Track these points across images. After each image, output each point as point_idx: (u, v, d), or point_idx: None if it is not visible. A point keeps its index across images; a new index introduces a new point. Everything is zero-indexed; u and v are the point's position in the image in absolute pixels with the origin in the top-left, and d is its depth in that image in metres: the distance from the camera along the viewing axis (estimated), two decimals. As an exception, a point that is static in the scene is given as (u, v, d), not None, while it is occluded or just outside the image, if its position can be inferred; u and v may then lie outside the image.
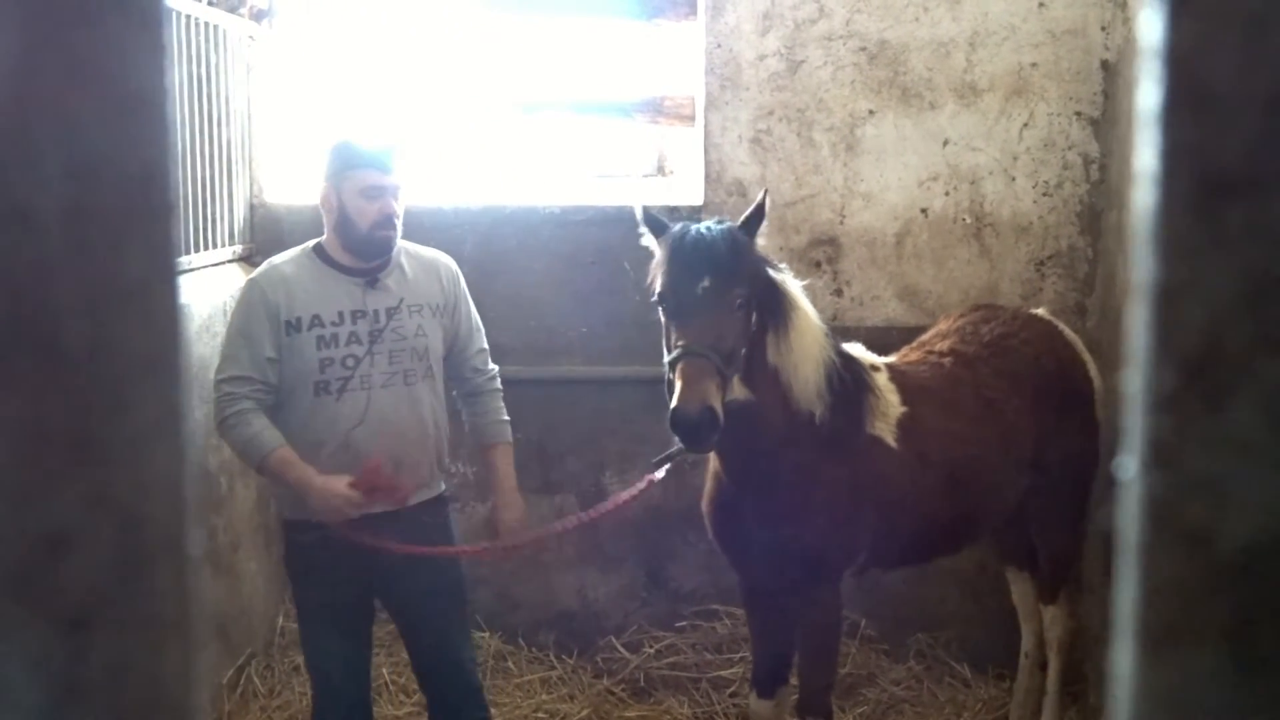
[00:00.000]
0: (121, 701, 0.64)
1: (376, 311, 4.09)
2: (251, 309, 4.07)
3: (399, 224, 4.12)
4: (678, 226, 3.91)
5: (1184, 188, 0.60)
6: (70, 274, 0.62)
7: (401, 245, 4.23)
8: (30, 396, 0.61)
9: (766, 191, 4.03)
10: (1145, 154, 0.62)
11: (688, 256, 3.79)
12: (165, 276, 0.65)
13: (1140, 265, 0.63)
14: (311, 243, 4.22)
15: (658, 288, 3.86)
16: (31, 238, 0.60)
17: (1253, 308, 0.59)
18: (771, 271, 4.01)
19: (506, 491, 4.32)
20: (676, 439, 3.76)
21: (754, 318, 3.86)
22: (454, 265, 4.33)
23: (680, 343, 3.72)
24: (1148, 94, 0.61)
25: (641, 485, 4.25)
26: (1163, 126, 0.61)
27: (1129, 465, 0.65)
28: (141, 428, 0.64)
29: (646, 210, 4.09)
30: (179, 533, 0.66)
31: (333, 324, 4.05)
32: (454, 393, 4.39)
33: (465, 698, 4.27)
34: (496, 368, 4.41)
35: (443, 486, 4.32)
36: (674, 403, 3.64)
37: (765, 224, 3.99)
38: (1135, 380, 0.64)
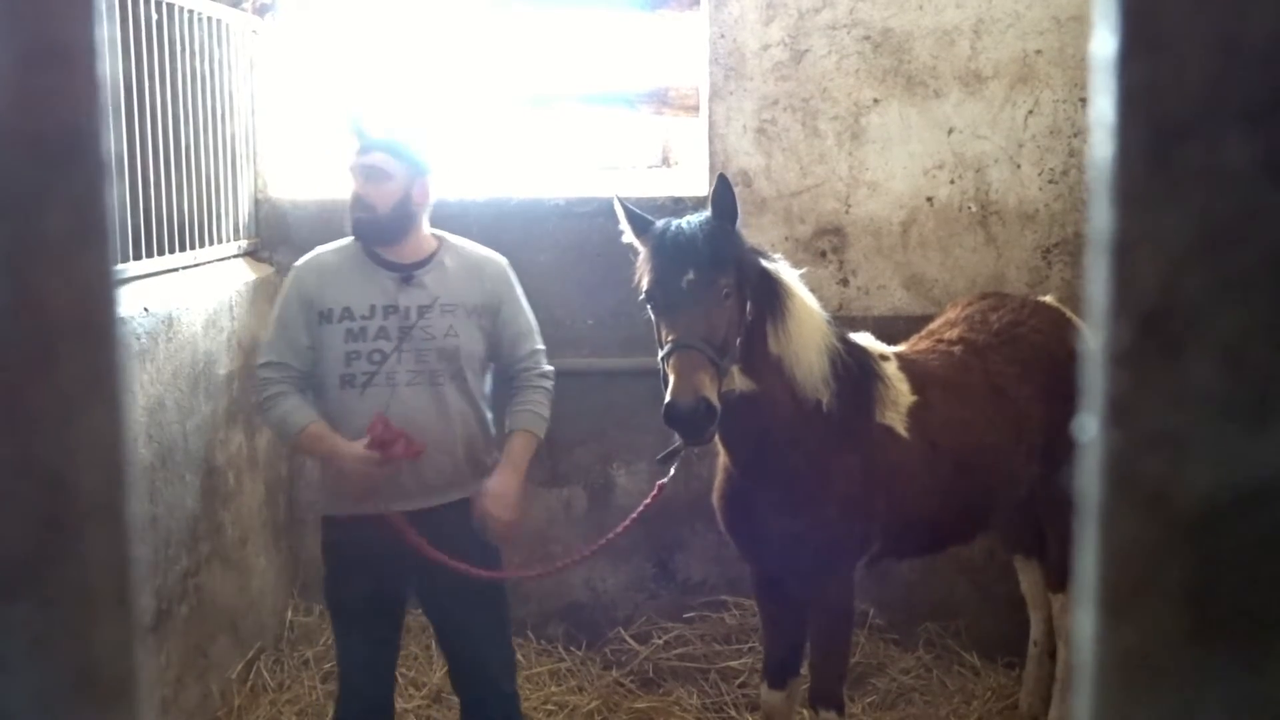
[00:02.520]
0: (51, 675, 0.63)
1: (408, 308, 4.06)
2: (289, 297, 4.12)
3: (378, 210, 4.05)
4: (659, 223, 3.90)
5: (1139, 135, 0.59)
6: None
7: (450, 243, 4.22)
8: None
9: (721, 175, 3.95)
10: (1101, 102, 0.61)
11: (669, 252, 3.79)
12: (94, 235, 0.63)
13: (1097, 218, 0.62)
14: None
15: (644, 285, 3.86)
16: None
17: (1208, 256, 0.58)
18: (764, 261, 4.00)
19: (502, 476, 4.09)
20: (675, 434, 3.76)
21: (748, 307, 3.84)
22: (503, 266, 4.23)
23: (670, 337, 3.73)
24: (1103, 41, 0.60)
25: (653, 493, 4.27)
26: (1117, 73, 0.59)
27: (1088, 424, 0.63)
28: (68, 389, 0.63)
29: (626, 206, 4.06)
30: (114, 498, 0.64)
31: (363, 317, 4.04)
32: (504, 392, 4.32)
33: (497, 704, 4.23)
34: (551, 368, 4.31)
35: (476, 487, 4.23)
36: (668, 396, 3.64)
37: (743, 209, 3.98)
38: (1094, 336, 0.62)
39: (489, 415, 4.24)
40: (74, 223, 0.62)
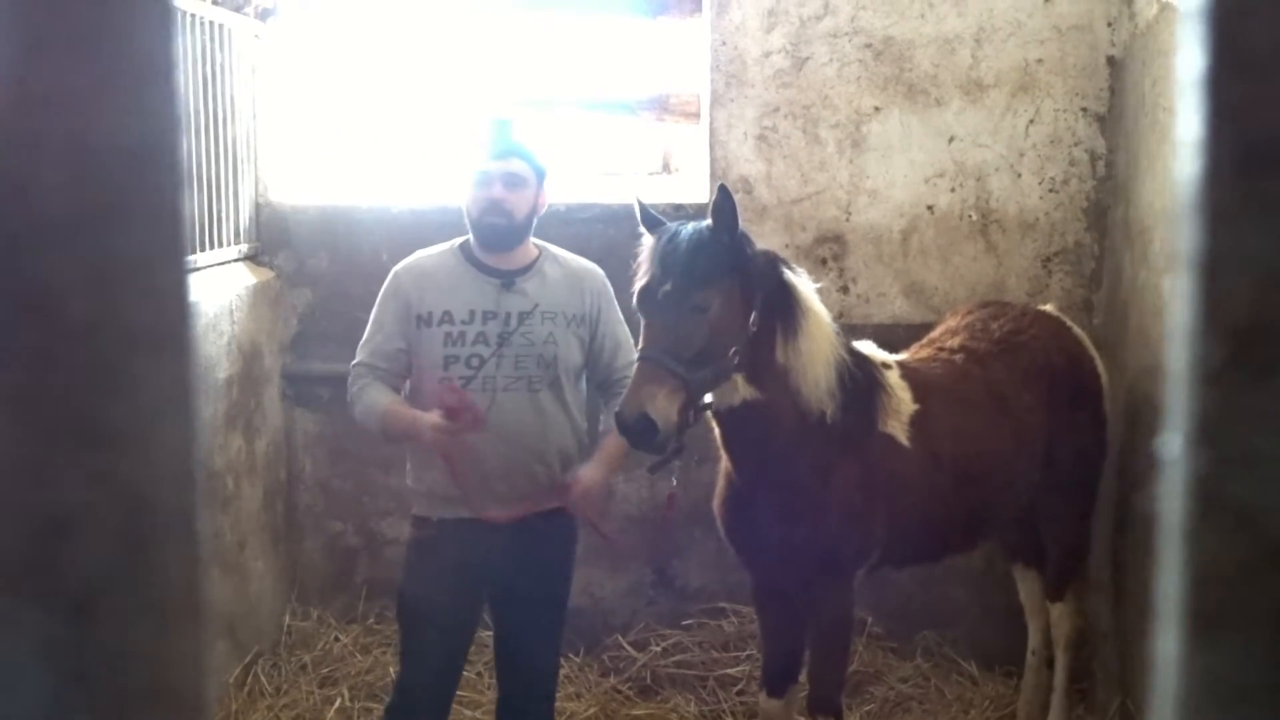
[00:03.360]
0: (127, 689, 0.62)
1: (509, 314, 4.07)
2: (388, 299, 4.16)
3: (516, 216, 4.09)
4: (663, 228, 3.90)
5: (1228, 153, 0.58)
6: (72, 247, 0.60)
7: (551, 252, 4.24)
8: (31, 373, 0.59)
9: (722, 186, 3.94)
10: (1188, 119, 0.60)
11: (655, 259, 3.81)
12: (172, 251, 0.63)
13: (1183, 235, 0.61)
14: (461, 239, 4.25)
15: (635, 290, 3.87)
16: (32, 210, 0.58)
17: None
18: (784, 271, 3.98)
19: (593, 468, 4.10)
20: None
21: (753, 316, 3.82)
22: (603, 277, 4.25)
23: (640, 345, 3.78)
24: (1190, 58, 0.60)
25: (667, 505, 4.34)
26: (1206, 91, 0.59)
27: (1172, 443, 0.63)
28: (148, 406, 0.62)
29: (644, 208, 4.05)
30: (188, 516, 0.64)
31: (462, 322, 4.06)
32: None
33: (534, 704, 4.29)
34: None
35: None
36: (618, 404, 3.72)
37: (744, 216, 3.99)
38: (1179, 354, 0.62)
39: (584, 425, 4.26)
40: (154, 237, 0.62)
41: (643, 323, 3.84)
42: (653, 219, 3.99)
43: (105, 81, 0.60)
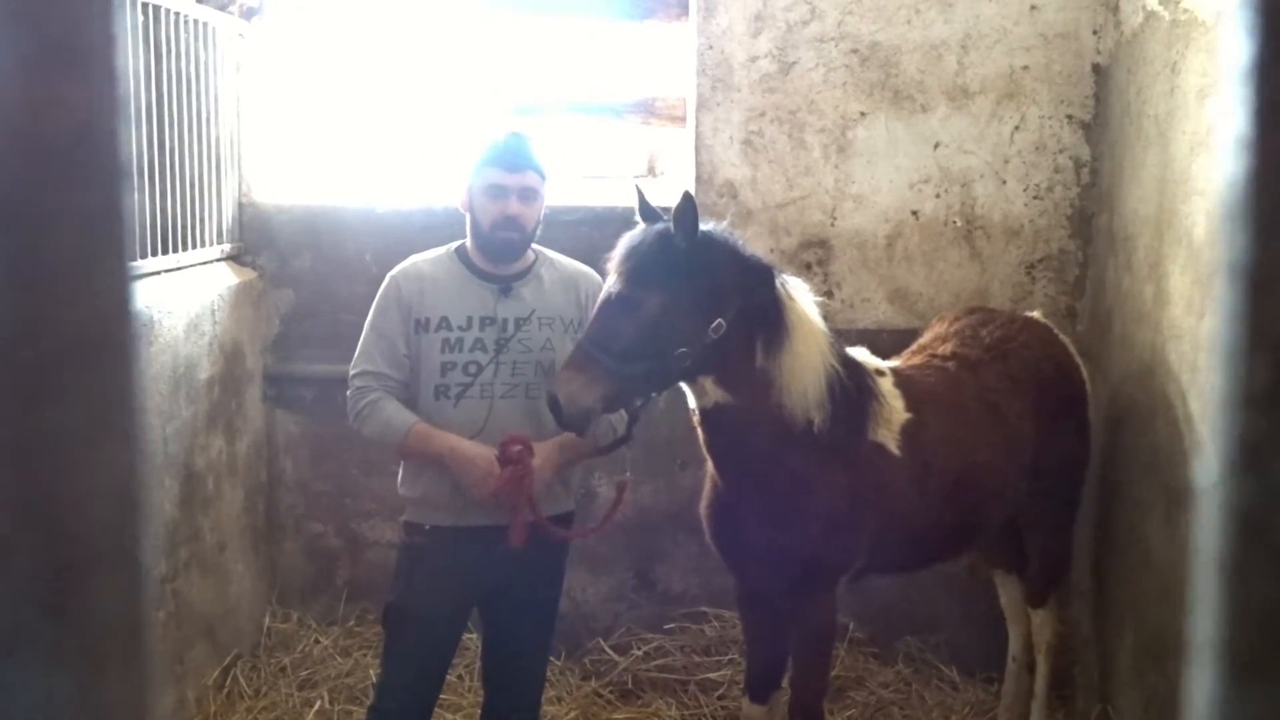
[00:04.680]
0: None
1: (505, 320, 4.06)
2: (386, 304, 4.10)
3: (527, 229, 4.08)
4: (644, 225, 3.93)
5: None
6: (5, 244, 0.55)
7: (546, 256, 4.22)
8: None
9: (685, 192, 3.91)
10: (1235, 115, 0.56)
11: (615, 255, 3.87)
12: (111, 251, 0.58)
13: (1227, 244, 0.57)
14: (457, 243, 4.22)
15: None
16: None
17: None
18: (775, 283, 3.96)
19: (556, 441, 4.03)
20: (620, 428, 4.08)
21: (717, 322, 3.80)
22: (597, 281, 4.20)
23: (582, 333, 3.90)
24: (1237, 49, 0.56)
25: (617, 495, 4.30)
26: (1255, 83, 0.55)
27: (1212, 469, 0.58)
28: (80, 421, 0.57)
29: (643, 199, 4.05)
30: (128, 544, 0.58)
31: (460, 328, 4.04)
32: None
33: (521, 708, 4.29)
34: None
35: (569, 505, 4.27)
36: None
37: (729, 221, 4.01)
38: (1222, 374, 0.57)
39: None
40: (88, 232, 0.57)
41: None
42: (650, 212, 3.99)
43: (35, 63, 0.56)
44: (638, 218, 4.02)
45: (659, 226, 3.87)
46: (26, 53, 0.56)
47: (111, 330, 0.58)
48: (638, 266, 3.78)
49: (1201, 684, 0.59)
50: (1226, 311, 0.57)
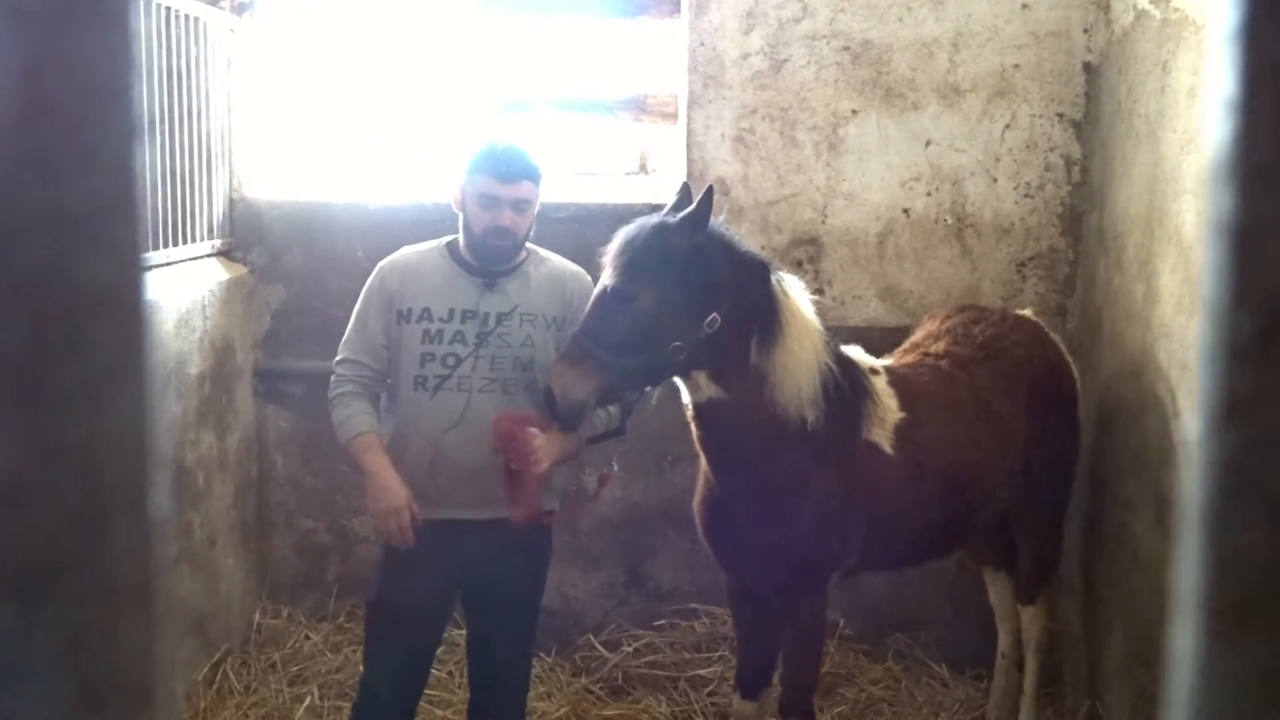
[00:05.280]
0: (77, 680, 0.58)
1: (487, 314, 4.07)
2: (370, 294, 4.14)
3: (519, 236, 4.09)
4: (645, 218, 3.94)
5: (1268, 111, 0.55)
6: (16, 194, 0.56)
7: (538, 254, 4.22)
8: None
9: (684, 184, 3.96)
10: (1223, 76, 0.57)
11: (611, 246, 3.89)
12: (126, 205, 0.59)
13: (1215, 202, 0.58)
14: (449, 237, 4.23)
15: None
16: None
17: None
18: (771, 280, 3.96)
19: (551, 436, 3.99)
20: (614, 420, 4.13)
21: (711, 318, 3.81)
22: (588, 281, 4.20)
23: (577, 325, 3.90)
24: (1226, 8, 0.56)
25: (599, 485, 4.41)
26: (1243, 43, 0.56)
27: (1198, 423, 0.59)
28: (100, 369, 0.58)
29: (685, 194, 4.07)
30: (141, 489, 0.60)
31: (441, 320, 4.05)
32: None
33: (505, 707, 4.28)
34: None
35: (553, 504, 4.24)
36: None
37: (720, 218, 4.02)
38: (1207, 329, 0.58)
39: None
40: (109, 187, 0.58)
41: None
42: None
43: (62, 19, 0.57)
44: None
45: (655, 220, 3.88)
46: (54, 9, 0.57)
47: (127, 281, 0.60)
48: (633, 260, 3.78)
49: (1185, 637, 0.60)
50: (1212, 267, 0.58)
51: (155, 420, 0.60)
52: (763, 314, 3.92)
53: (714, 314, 3.81)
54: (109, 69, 0.58)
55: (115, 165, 0.59)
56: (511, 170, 4.06)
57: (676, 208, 3.86)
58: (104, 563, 0.59)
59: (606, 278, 3.83)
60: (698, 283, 3.81)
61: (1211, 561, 0.58)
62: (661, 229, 3.82)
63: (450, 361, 4.03)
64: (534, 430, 3.91)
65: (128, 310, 0.60)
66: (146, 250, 0.60)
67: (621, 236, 3.87)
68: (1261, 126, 0.56)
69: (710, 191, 3.84)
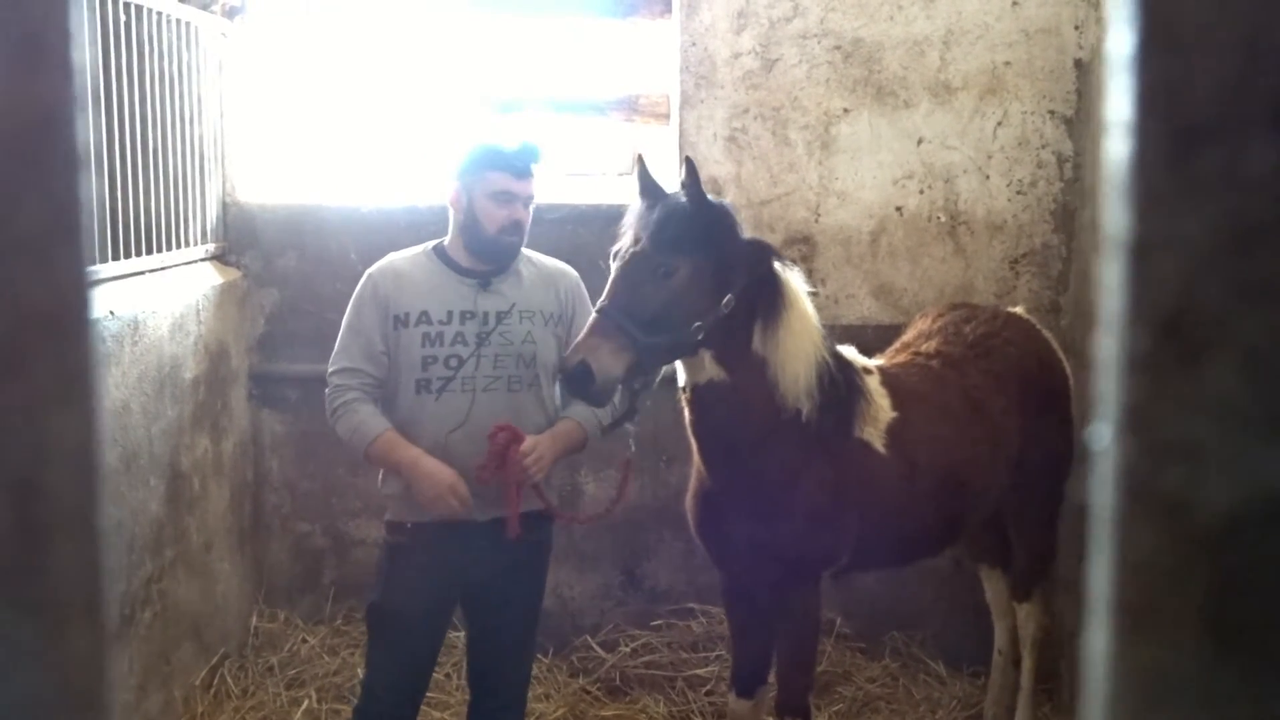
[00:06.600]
0: (19, 692, 0.60)
1: (486, 314, 4.06)
2: (363, 302, 4.10)
3: (525, 232, 4.10)
4: (664, 196, 3.89)
5: (1157, 134, 0.57)
6: None
7: (524, 253, 4.21)
8: None
9: (688, 159, 3.92)
10: (1118, 100, 0.59)
11: (635, 220, 3.84)
12: (68, 231, 0.60)
13: (1112, 219, 0.60)
14: (433, 242, 4.22)
15: (614, 249, 3.91)
16: None
17: (1229, 259, 0.56)
18: (774, 263, 3.97)
19: (550, 433, 4.04)
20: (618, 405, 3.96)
21: (727, 298, 3.81)
22: (575, 278, 4.24)
23: (601, 299, 3.79)
24: (1121, 37, 0.58)
25: (622, 476, 4.29)
26: (1135, 71, 0.57)
27: (1102, 432, 0.61)
28: (40, 391, 0.59)
29: (644, 171, 3.99)
30: (86, 506, 0.61)
31: (440, 322, 4.04)
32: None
33: (505, 708, 4.29)
34: None
35: (551, 502, 4.22)
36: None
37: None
38: (1108, 341, 0.61)
39: None
40: (47, 218, 0.59)
41: (609, 278, 3.84)
42: (650, 186, 3.94)
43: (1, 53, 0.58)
44: (636, 195, 4.00)
45: (679, 196, 3.84)
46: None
47: (71, 308, 0.61)
48: (664, 230, 3.74)
49: (1096, 638, 0.62)
50: (1110, 283, 0.60)
51: (103, 438, 0.61)
52: (767, 298, 3.92)
53: (730, 294, 3.81)
54: (50, 103, 0.59)
55: (59, 194, 0.59)
56: (526, 166, 4.08)
57: (688, 180, 3.83)
58: (45, 581, 0.60)
59: (636, 247, 3.76)
60: (722, 260, 3.81)
61: (1116, 564, 0.60)
62: (699, 203, 3.80)
63: (453, 363, 4.02)
64: (526, 446, 3.92)
65: (71, 334, 0.61)
66: (94, 273, 0.62)
67: (644, 207, 3.83)
68: (1152, 150, 0.58)
69: (690, 161, 3.83)
